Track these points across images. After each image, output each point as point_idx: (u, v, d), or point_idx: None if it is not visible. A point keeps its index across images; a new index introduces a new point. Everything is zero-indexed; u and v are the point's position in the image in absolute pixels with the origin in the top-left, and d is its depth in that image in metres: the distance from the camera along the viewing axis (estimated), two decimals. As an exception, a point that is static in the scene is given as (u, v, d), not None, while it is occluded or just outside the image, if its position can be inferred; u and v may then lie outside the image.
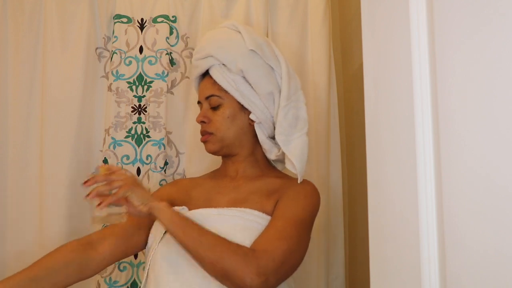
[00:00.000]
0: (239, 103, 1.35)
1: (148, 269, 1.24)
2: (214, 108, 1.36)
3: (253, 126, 1.37)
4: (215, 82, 1.36)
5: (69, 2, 1.78)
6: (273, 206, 1.27)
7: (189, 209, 1.29)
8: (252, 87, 1.34)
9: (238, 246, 1.15)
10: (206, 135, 1.36)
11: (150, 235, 1.30)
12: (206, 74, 1.40)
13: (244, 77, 1.34)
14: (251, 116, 1.36)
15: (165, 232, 1.24)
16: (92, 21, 1.77)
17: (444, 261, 0.59)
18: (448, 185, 0.59)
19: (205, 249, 1.13)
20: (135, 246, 1.34)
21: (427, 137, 0.63)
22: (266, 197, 1.30)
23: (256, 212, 1.25)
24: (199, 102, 1.41)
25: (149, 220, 1.30)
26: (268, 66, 1.36)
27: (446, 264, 0.59)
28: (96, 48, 1.78)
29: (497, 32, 0.52)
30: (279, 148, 1.37)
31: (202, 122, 1.37)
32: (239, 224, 1.22)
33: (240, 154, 1.39)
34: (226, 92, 1.35)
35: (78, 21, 1.77)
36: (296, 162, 1.31)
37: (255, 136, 1.38)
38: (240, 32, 1.38)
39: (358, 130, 1.73)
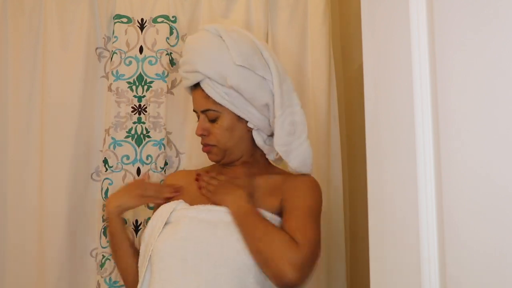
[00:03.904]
0: (235, 113, 1.32)
1: (147, 264, 1.24)
2: (212, 120, 1.32)
3: (251, 132, 1.35)
4: (208, 96, 1.31)
5: (69, 2, 1.78)
6: (278, 202, 1.28)
7: (190, 204, 1.29)
8: (246, 99, 1.30)
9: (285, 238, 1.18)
10: (208, 147, 1.35)
11: (147, 228, 1.30)
12: (197, 84, 1.34)
13: (237, 91, 1.29)
14: (249, 125, 1.33)
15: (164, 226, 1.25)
16: (92, 21, 1.77)
17: (444, 261, 0.59)
18: (448, 185, 0.59)
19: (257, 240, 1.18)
20: None
21: (427, 137, 0.63)
22: (269, 195, 1.30)
23: (261, 211, 1.26)
24: (195, 110, 1.37)
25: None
26: (259, 77, 1.30)
27: (446, 264, 0.59)
28: (96, 48, 1.78)
29: (497, 32, 0.52)
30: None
31: (202, 135, 1.34)
32: None
33: (240, 160, 1.38)
34: (221, 104, 1.30)
35: (78, 21, 1.77)
36: (298, 170, 1.33)
37: (253, 139, 1.36)
38: (224, 40, 1.30)
39: (358, 130, 1.73)
